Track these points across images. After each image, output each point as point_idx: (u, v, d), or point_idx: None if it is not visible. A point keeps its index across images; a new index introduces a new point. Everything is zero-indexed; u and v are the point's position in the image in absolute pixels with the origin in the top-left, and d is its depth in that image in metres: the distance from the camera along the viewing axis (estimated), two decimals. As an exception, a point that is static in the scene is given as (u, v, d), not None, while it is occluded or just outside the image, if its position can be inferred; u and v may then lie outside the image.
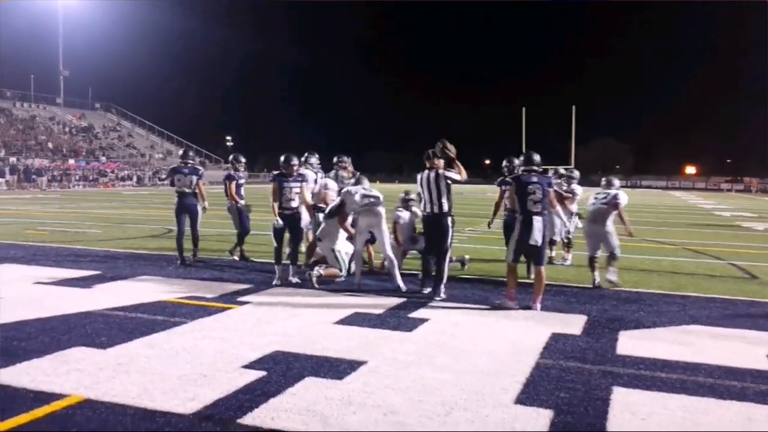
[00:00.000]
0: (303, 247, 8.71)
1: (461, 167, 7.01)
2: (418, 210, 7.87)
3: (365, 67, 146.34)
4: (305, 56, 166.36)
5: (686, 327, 5.90)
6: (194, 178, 9.19)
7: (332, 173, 9.20)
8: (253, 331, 5.40)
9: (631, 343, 5.28)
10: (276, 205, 7.84)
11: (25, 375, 4.13)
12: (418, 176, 7.24)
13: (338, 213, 7.65)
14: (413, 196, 8.25)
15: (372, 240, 8.04)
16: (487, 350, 4.97)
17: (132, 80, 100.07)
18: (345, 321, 5.81)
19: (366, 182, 7.87)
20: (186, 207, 9.11)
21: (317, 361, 4.56)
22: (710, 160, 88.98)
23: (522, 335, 5.46)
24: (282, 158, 7.91)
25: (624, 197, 8.10)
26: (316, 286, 7.34)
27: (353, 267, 8.08)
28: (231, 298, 6.70)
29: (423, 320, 5.90)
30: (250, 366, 4.41)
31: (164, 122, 67.58)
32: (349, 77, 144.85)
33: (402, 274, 7.77)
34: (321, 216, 8.12)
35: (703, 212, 27.04)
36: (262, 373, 4.25)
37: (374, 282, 7.77)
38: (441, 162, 7.09)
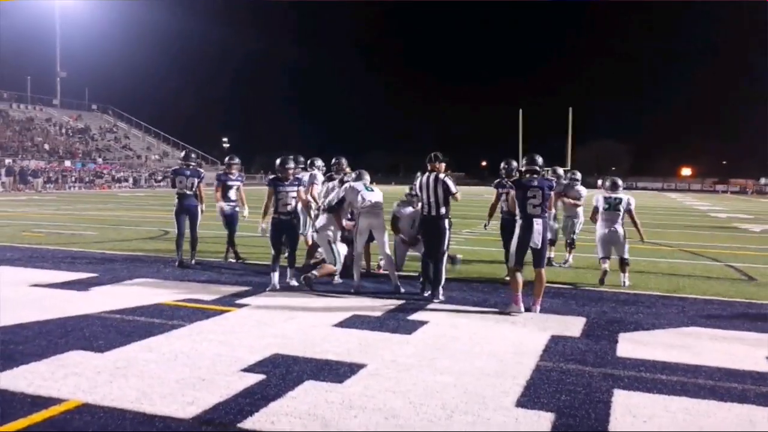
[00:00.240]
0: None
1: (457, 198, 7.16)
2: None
3: (364, 67, 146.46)
4: (303, 56, 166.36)
5: (685, 329, 5.90)
6: (196, 180, 9.22)
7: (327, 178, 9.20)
8: (251, 334, 5.37)
9: (631, 345, 5.27)
10: (269, 210, 7.68)
11: (22, 379, 4.10)
12: (418, 178, 7.28)
13: (338, 208, 7.59)
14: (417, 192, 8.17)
15: (370, 239, 7.98)
16: (487, 352, 4.96)
17: (129, 82, 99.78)
18: (344, 323, 5.79)
19: (367, 177, 7.81)
20: (186, 208, 9.12)
21: (317, 365, 4.54)
22: (707, 161, 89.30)
23: (522, 337, 5.45)
24: (278, 161, 7.76)
25: (634, 201, 8.44)
26: (312, 288, 7.31)
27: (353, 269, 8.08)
28: (229, 301, 6.68)
29: (422, 323, 5.89)
30: (250, 369, 4.39)
31: (161, 124, 67.62)
32: (348, 78, 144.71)
33: (401, 277, 7.77)
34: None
35: (699, 214, 27.13)
36: (261, 377, 4.23)
37: (372, 284, 7.75)
38: (442, 166, 7.15)
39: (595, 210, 8.50)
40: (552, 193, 6.76)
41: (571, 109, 48.52)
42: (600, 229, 8.43)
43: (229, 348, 4.90)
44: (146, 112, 73.19)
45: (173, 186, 9.26)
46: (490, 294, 7.39)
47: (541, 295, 6.53)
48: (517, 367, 4.57)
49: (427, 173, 7.14)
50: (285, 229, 7.66)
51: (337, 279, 7.89)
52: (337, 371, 4.40)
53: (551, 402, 3.89)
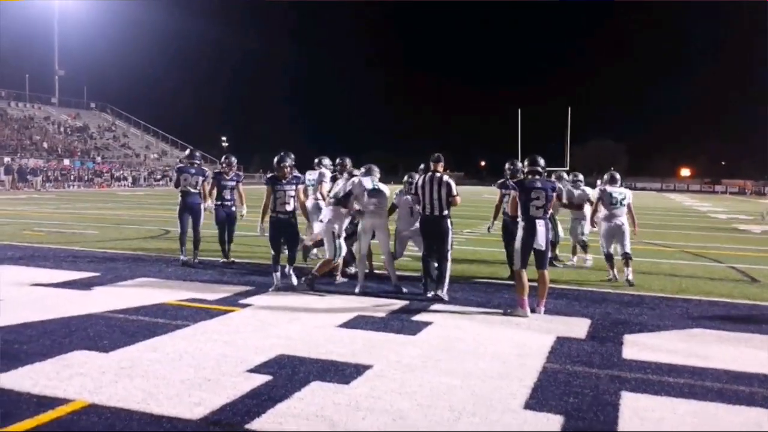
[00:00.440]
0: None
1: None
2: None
3: (364, 67, 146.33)
4: (303, 56, 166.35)
5: (690, 330, 5.88)
6: (200, 178, 9.25)
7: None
8: (256, 334, 5.35)
9: (637, 347, 5.25)
10: (267, 209, 7.53)
11: (27, 379, 4.07)
12: (420, 177, 7.28)
13: (344, 201, 7.45)
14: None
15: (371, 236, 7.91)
16: (493, 354, 4.94)
17: (127, 80, 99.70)
18: (348, 324, 5.77)
19: (377, 172, 7.66)
20: (190, 206, 9.14)
21: (323, 365, 4.52)
22: (705, 162, 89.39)
23: (527, 339, 5.44)
24: (275, 159, 7.59)
25: (631, 194, 8.82)
26: (314, 289, 7.27)
27: (354, 269, 8.06)
28: (232, 301, 6.66)
29: (426, 323, 5.87)
30: (255, 370, 4.37)
31: (159, 122, 67.49)
32: (347, 77, 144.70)
33: (404, 277, 7.75)
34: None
35: (699, 215, 27.15)
36: (267, 378, 4.21)
37: (376, 285, 7.73)
38: (441, 166, 7.25)
39: (597, 205, 8.73)
40: (554, 194, 6.74)
41: (569, 108, 48.59)
42: (605, 223, 8.66)
43: (233, 348, 4.88)
44: (145, 110, 73.04)
45: (177, 184, 9.24)
46: (492, 294, 7.38)
47: (545, 296, 6.51)
48: (523, 369, 4.56)
49: (430, 173, 7.16)
50: (283, 229, 7.52)
51: (339, 278, 7.87)
52: (343, 372, 4.38)
53: (559, 404, 3.88)
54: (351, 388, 4.06)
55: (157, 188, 45.95)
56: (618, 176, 8.92)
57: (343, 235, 7.59)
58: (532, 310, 6.36)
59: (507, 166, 8.52)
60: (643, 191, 61.53)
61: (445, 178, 7.11)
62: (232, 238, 9.49)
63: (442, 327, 5.78)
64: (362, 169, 7.77)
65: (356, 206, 7.44)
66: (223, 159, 10.01)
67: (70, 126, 58.94)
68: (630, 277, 8.25)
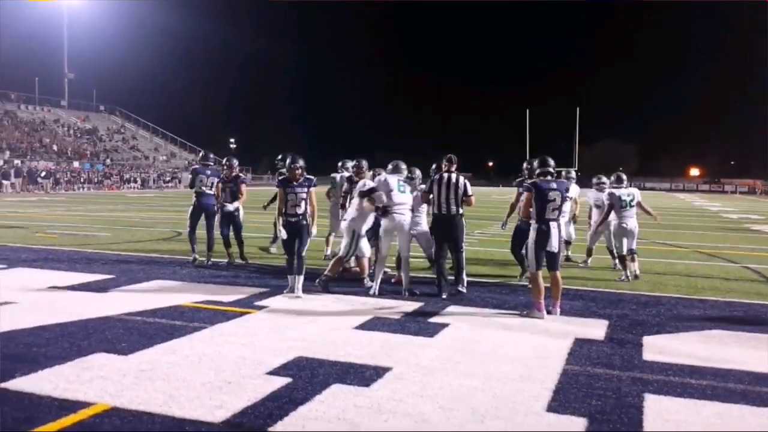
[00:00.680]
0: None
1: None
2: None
3: (364, 67, 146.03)
4: (312, 58, 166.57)
5: (709, 332, 5.83)
6: (215, 179, 9.39)
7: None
8: (273, 336, 5.35)
9: (657, 348, 5.21)
10: (282, 212, 7.32)
11: (47, 382, 4.07)
12: (434, 175, 7.37)
13: (367, 194, 7.37)
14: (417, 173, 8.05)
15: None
16: (512, 356, 4.91)
17: (136, 82, 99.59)
18: (365, 326, 5.75)
19: (403, 169, 7.59)
20: (205, 207, 9.28)
21: (342, 368, 4.50)
22: (715, 161, 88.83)
23: (545, 340, 5.40)
24: (287, 161, 7.46)
25: (638, 192, 9.11)
26: (328, 291, 7.27)
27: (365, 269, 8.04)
28: (248, 303, 6.65)
29: (443, 325, 5.84)
30: (275, 372, 4.36)
31: (168, 124, 67.70)
32: (348, 78, 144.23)
33: (418, 281, 7.73)
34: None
35: (711, 214, 26.98)
36: (287, 380, 4.20)
37: (390, 286, 7.70)
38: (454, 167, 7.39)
39: (610, 208, 8.82)
40: (569, 195, 6.72)
41: (578, 109, 48.42)
42: (614, 222, 8.88)
43: (252, 351, 4.87)
44: (153, 113, 73.19)
45: (191, 185, 9.38)
46: (508, 296, 7.35)
47: (559, 297, 6.47)
48: (543, 371, 4.52)
49: (446, 173, 7.26)
50: (294, 232, 7.31)
51: (367, 282, 7.72)
52: (362, 374, 4.36)
53: (582, 407, 3.84)
54: (372, 391, 4.04)
55: (166, 190, 46.10)
56: (624, 177, 9.15)
57: (363, 234, 7.54)
58: (548, 312, 6.33)
59: (525, 165, 8.49)
60: (652, 191, 61.14)
61: (461, 178, 7.19)
62: (241, 239, 9.49)
63: (459, 329, 5.76)
64: (389, 167, 7.69)
65: (379, 204, 7.35)
66: (224, 161, 10.02)
67: (79, 128, 59.23)
68: (637, 272, 8.62)
